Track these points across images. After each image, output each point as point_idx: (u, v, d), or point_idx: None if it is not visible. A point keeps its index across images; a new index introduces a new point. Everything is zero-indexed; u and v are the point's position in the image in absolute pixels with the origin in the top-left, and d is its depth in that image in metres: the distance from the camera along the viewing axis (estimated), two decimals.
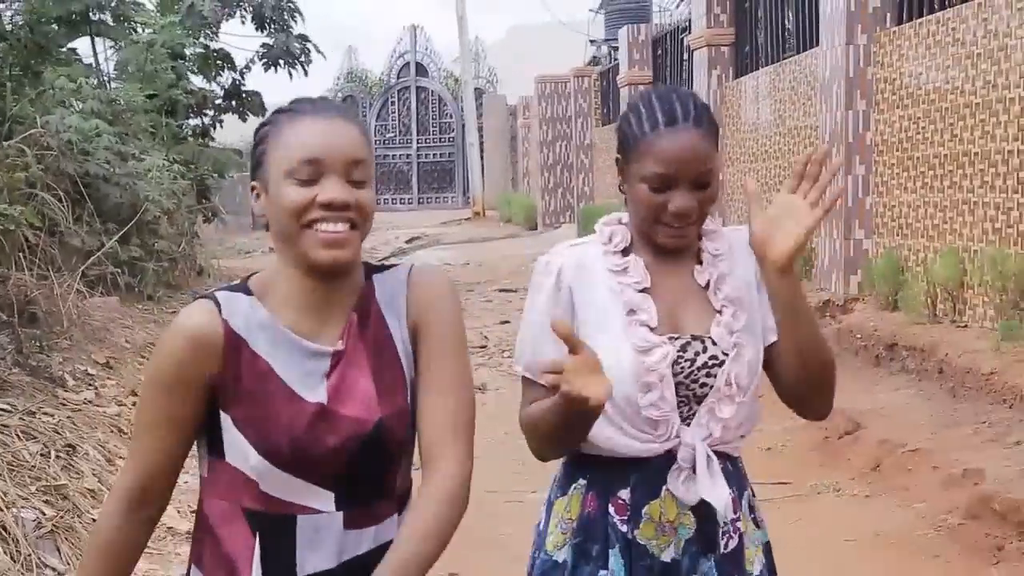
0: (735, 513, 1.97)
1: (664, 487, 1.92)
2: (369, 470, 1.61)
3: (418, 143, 31.43)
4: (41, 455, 4.65)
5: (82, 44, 14.11)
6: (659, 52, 14.51)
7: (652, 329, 1.93)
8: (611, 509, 1.95)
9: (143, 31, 13.43)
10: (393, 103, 31.56)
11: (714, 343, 1.93)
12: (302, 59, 15.80)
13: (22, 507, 4.04)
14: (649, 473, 1.94)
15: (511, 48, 35.87)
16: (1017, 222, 5.92)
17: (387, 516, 1.63)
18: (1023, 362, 5.37)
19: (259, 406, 1.56)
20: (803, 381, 1.93)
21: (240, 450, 1.57)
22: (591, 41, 22.96)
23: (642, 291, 1.95)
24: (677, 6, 17.23)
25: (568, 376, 1.69)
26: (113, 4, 13.10)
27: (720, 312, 1.95)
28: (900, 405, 5.93)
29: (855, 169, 7.74)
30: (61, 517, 4.18)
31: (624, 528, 1.95)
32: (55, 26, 11.60)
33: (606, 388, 1.69)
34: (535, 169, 21.61)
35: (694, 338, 1.93)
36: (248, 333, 1.57)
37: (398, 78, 31.63)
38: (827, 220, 7.45)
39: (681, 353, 1.92)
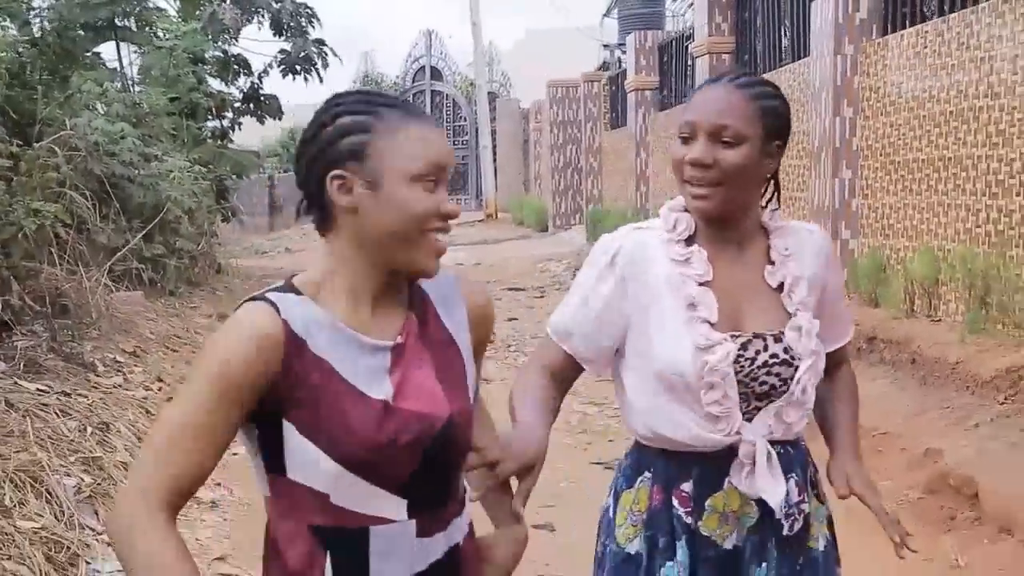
0: (799, 495, 1.98)
1: (727, 479, 1.93)
2: (441, 470, 1.58)
3: None
4: (78, 431, 5.09)
5: (106, 48, 14.65)
6: (665, 58, 14.88)
7: (712, 325, 1.91)
8: (675, 501, 1.96)
9: (165, 36, 13.90)
10: None
11: (777, 341, 1.93)
12: (318, 64, 16.27)
13: (64, 475, 4.48)
14: (711, 467, 1.94)
15: (527, 51, 36.20)
16: (985, 223, 6.30)
17: (454, 518, 1.61)
18: (985, 352, 5.75)
19: (326, 407, 1.50)
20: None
21: (308, 459, 1.50)
22: (604, 46, 23.32)
23: (703, 284, 1.93)
24: (684, 13, 17.61)
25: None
26: (137, 10, 13.61)
27: (795, 315, 1.94)
28: (876, 394, 6.31)
29: (842, 173, 8.13)
30: (98, 484, 4.61)
31: (688, 520, 1.95)
32: (81, 32, 12.08)
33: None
34: (546, 172, 21.99)
35: (756, 336, 1.92)
36: (307, 333, 1.51)
37: (413, 82, 32.08)
38: (818, 221, 7.86)
39: (741, 352, 1.91)
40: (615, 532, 2.01)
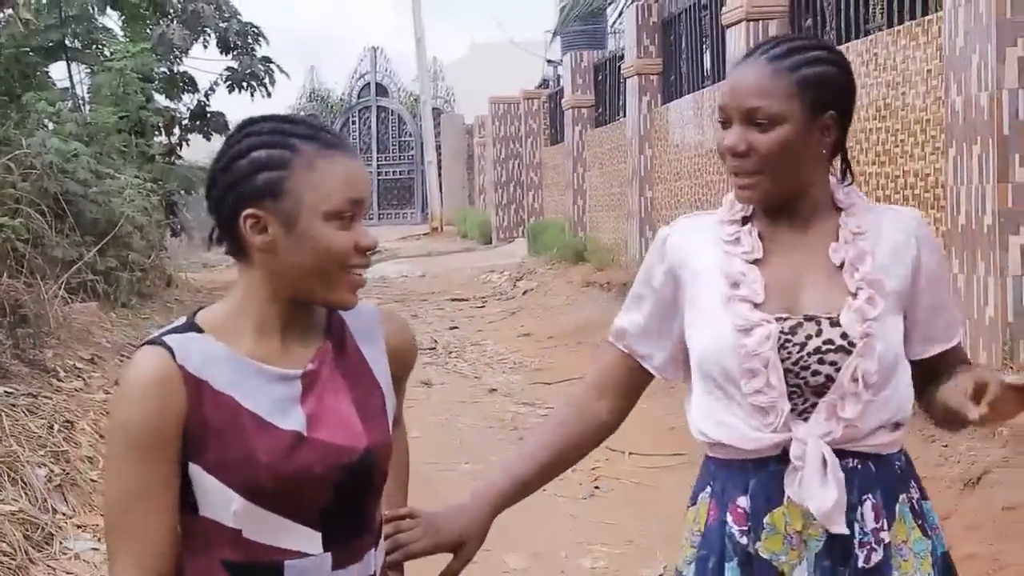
0: (876, 522, 1.74)
1: (787, 494, 1.73)
2: (356, 502, 1.56)
3: (378, 161, 32.27)
4: (46, 428, 5.53)
5: (55, 68, 14.97)
6: (600, 77, 15.52)
7: (757, 306, 1.74)
8: (729, 518, 1.77)
9: (112, 56, 14.27)
10: (354, 122, 32.44)
11: (833, 326, 1.73)
12: (266, 80, 16.71)
13: (37, 465, 4.93)
14: (768, 477, 1.74)
15: (473, 65, 36.78)
16: None
17: (367, 551, 1.58)
18: None
19: (232, 445, 1.48)
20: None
21: (218, 498, 1.49)
22: (548, 61, 23.93)
23: (753, 262, 1.77)
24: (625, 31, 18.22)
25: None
26: (86, 32, 13.98)
27: (855, 295, 1.73)
28: None
29: None
30: (67, 475, 5.06)
31: (744, 540, 1.75)
32: (32, 53, 12.44)
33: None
34: (490, 186, 22.50)
35: (807, 319, 1.73)
36: (206, 373, 1.49)
37: (359, 98, 32.56)
38: None
39: (789, 336, 1.72)
40: (680, 554, 1.86)
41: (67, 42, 13.36)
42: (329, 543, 1.52)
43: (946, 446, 5.02)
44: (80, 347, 7.96)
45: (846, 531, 1.70)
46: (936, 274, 1.83)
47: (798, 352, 1.71)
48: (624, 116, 13.31)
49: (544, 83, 22.09)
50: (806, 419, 1.72)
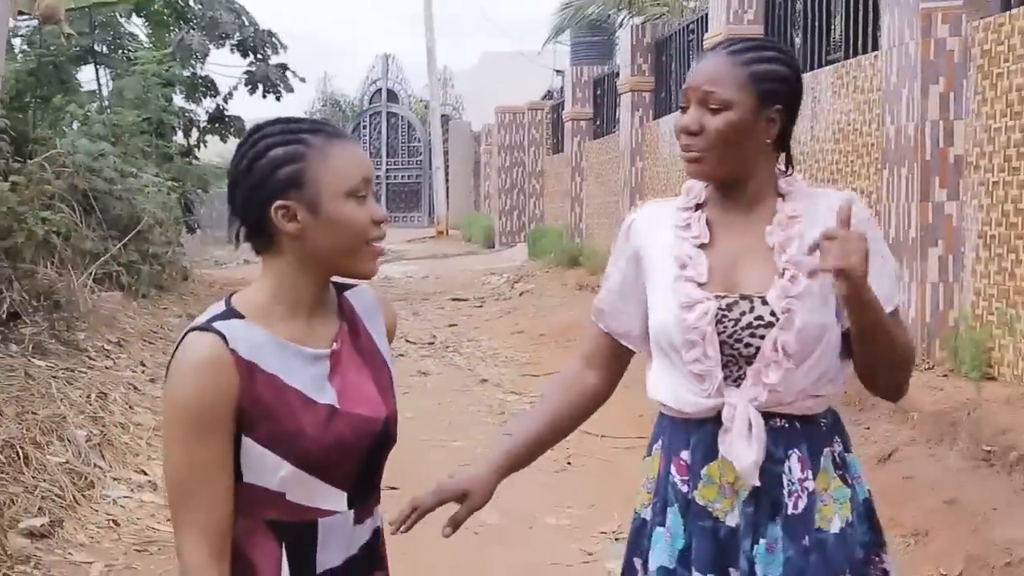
0: (802, 472, 1.91)
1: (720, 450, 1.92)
2: (375, 464, 1.73)
3: (387, 165, 33.03)
4: (83, 398, 6.29)
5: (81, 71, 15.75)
6: (599, 91, 16.25)
7: (701, 285, 1.91)
8: (672, 468, 1.98)
9: (135, 60, 15.03)
10: (365, 127, 33.23)
11: (764, 304, 1.89)
12: (281, 85, 17.49)
13: (78, 427, 5.69)
14: (706, 435, 1.93)
15: (483, 74, 37.31)
16: None
17: (376, 506, 1.77)
18: None
19: (283, 420, 1.62)
20: (870, 363, 1.90)
21: (267, 466, 1.62)
22: (557, 71, 24.61)
23: (700, 247, 1.94)
24: None
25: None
26: (111, 38, 14.77)
27: (781, 275, 1.89)
28: None
29: None
30: (103, 436, 5.82)
31: (684, 488, 1.95)
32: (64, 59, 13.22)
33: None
34: (494, 192, 23.06)
35: (743, 298, 1.90)
36: (254, 356, 1.62)
37: (370, 103, 33.36)
38: None
39: (726, 312, 1.89)
40: (636, 499, 2.07)
41: (95, 47, 14.12)
42: (352, 502, 1.69)
43: (868, 428, 5.76)
44: (107, 331, 8.70)
45: (757, 483, 1.88)
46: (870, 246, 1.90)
47: (733, 327, 1.89)
48: (619, 129, 14.06)
49: (548, 94, 22.80)
50: (739, 386, 1.90)
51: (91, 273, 9.34)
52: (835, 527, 1.90)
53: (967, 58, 5.82)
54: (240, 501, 1.64)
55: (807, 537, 1.89)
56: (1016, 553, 4.06)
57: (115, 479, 5.45)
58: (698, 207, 1.98)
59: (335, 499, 1.67)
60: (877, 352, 1.88)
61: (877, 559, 1.98)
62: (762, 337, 1.87)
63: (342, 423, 1.66)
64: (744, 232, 1.94)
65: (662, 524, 1.96)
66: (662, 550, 1.95)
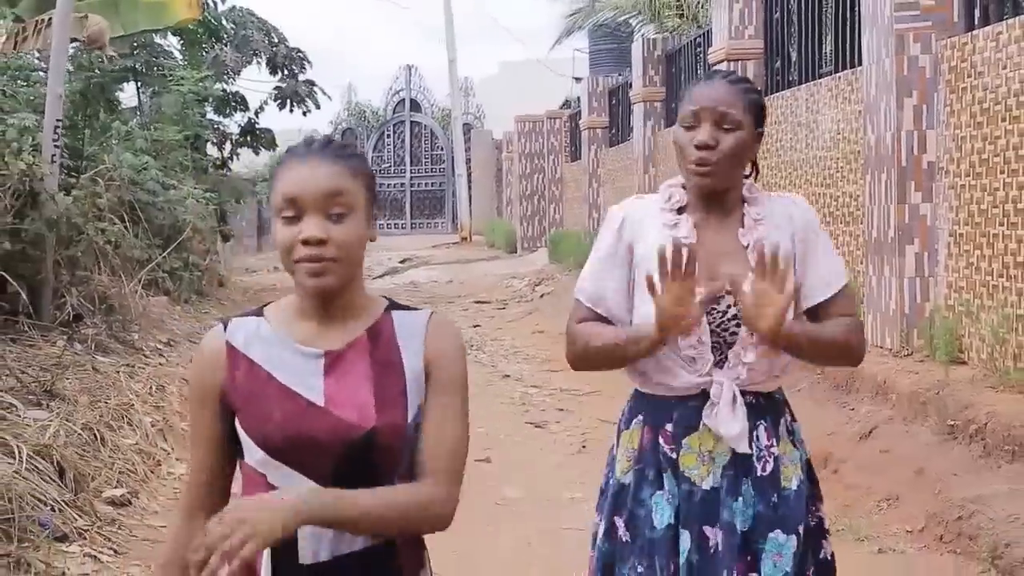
0: (768, 440, 2.22)
1: (702, 421, 2.19)
2: (365, 471, 1.71)
3: (411, 173, 33.70)
4: (144, 390, 6.99)
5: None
6: (613, 101, 16.89)
7: None
8: (660, 440, 2.23)
9: (171, 78, 15.75)
10: (388, 136, 33.96)
11: None
12: (308, 100, 18.22)
13: (143, 414, 6.39)
14: (688, 409, 2.21)
15: (502, 83, 37.85)
16: None
17: None
18: None
19: (257, 405, 1.73)
20: (819, 362, 2.46)
21: (250, 449, 1.75)
22: (576, 79, 25.18)
23: (687, 246, 2.13)
24: None
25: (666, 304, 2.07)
26: (149, 55, 15.52)
27: (753, 272, 2.12)
28: None
29: None
30: (165, 422, 6.51)
31: (672, 455, 2.22)
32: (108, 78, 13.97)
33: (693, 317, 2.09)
34: (516, 198, 23.61)
35: (728, 292, 2.14)
36: (247, 347, 1.76)
37: (394, 113, 34.08)
38: None
39: (715, 305, 2.16)
40: (615, 465, 2.30)
41: (136, 67, 14.88)
42: None
43: (853, 410, 6.38)
44: (158, 332, 9.41)
45: (749, 451, 2.18)
46: (810, 240, 2.26)
47: (721, 317, 2.18)
48: (633, 137, 14.69)
49: (566, 103, 23.42)
50: (722, 367, 2.19)
51: (140, 279, 10.02)
52: (794, 485, 2.22)
53: (937, 73, 6.43)
54: (244, 479, 1.80)
55: (775, 495, 2.19)
56: (967, 509, 4.67)
57: (178, 459, 6.13)
58: (680, 210, 2.24)
59: None
60: (819, 359, 2.31)
61: (815, 508, 2.31)
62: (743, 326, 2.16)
63: (318, 420, 1.71)
64: (722, 233, 2.22)
65: (660, 488, 2.21)
66: (664, 510, 2.20)
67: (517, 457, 6.70)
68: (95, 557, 4.39)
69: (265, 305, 1.83)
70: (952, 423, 5.42)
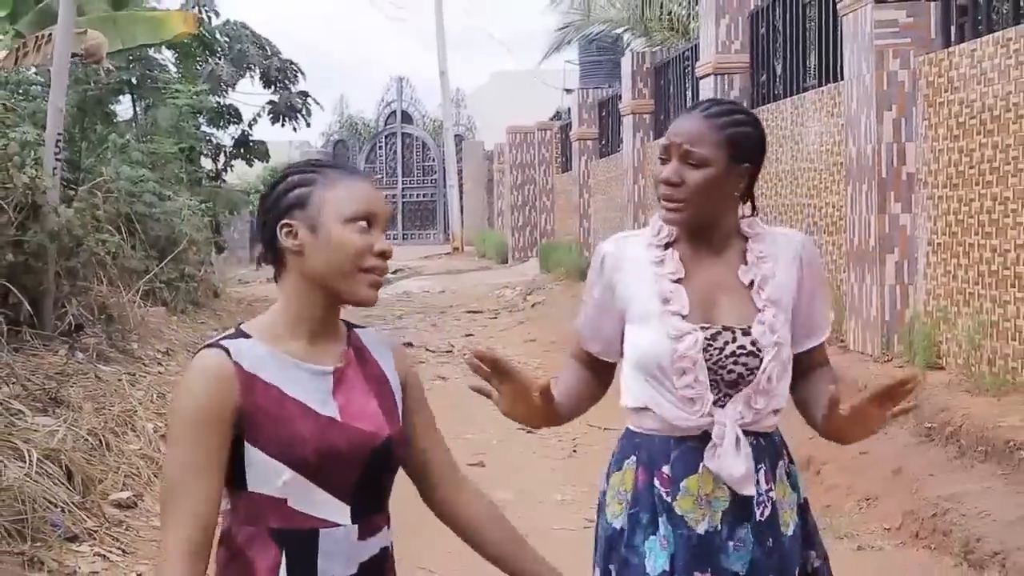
0: (767, 484, 2.13)
1: (701, 463, 2.10)
2: (377, 481, 1.78)
3: (403, 184, 33.91)
4: (146, 397, 7.16)
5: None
6: (604, 113, 17.11)
7: (684, 317, 2.09)
8: (656, 482, 2.13)
9: (166, 91, 15.91)
10: (380, 147, 34.19)
11: (745, 335, 2.09)
12: (302, 112, 18.40)
13: (146, 421, 6.56)
14: (687, 450, 2.12)
15: (494, 91, 38.13)
16: None
17: (382, 527, 1.80)
18: None
19: (282, 426, 1.70)
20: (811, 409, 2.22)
21: (269, 472, 1.70)
22: (567, 90, 25.42)
23: (676, 281, 2.11)
24: None
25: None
26: (144, 68, 15.69)
27: (762, 311, 2.09)
28: None
29: None
30: (167, 429, 6.67)
31: (668, 499, 2.12)
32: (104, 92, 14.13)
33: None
34: (507, 209, 23.84)
35: (725, 328, 2.09)
36: (256, 368, 1.72)
37: (385, 124, 34.29)
38: None
39: (711, 342, 2.08)
40: (606, 510, 2.20)
41: (131, 80, 15.05)
42: (356, 516, 1.74)
43: None
44: (156, 342, 9.55)
45: (754, 493, 2.09)
46: (812, 285, 2.21)
47: (718, 355, 2.09)
48: (622, 149, 14.91)
49: (557, 115, 23.63)
50: (722, 406, 2.09)
51: (138, 290, 10.16)
52: (791, 531, 2.15)
53: (916, 88, 6.65)
54: (245, 511, 1.73)
55: (771, 540, 2.12)
56: (941, 507, 4.87)
57: None
58: (667, 245, 2.17)
59: (337, 511, 1.73)
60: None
61: (809, 554, 2.24)
62: (744, 364, 2.09)
63: (341, 434, 1.73)
64: (715, 269, 2.14)
65: (654, 532, 2.12)
66: (659, 556, 2.12)
67: (509, 461, 6.87)
68: (104, 556, 4.56)
69: (240, 325, 1.80)
70: (929, 425, 5.62)
